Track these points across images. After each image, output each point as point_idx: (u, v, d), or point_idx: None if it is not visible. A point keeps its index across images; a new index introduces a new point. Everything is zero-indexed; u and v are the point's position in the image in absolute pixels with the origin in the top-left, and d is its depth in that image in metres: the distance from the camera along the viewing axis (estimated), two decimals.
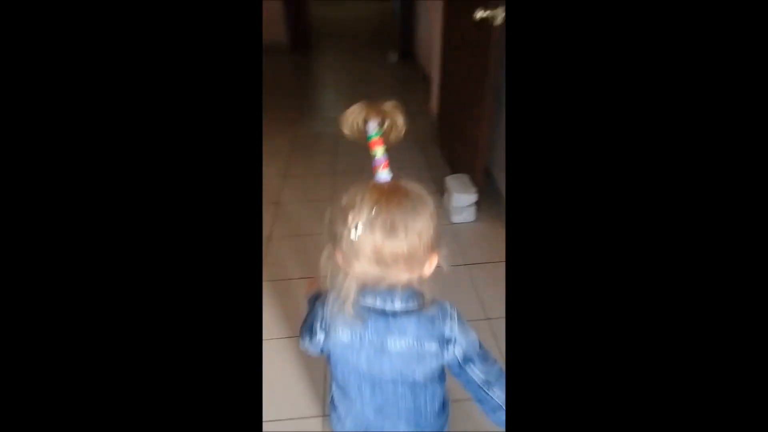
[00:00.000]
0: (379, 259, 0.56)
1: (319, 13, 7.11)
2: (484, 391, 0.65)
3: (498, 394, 0.65)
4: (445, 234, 1.98)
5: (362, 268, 0.57)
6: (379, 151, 0.60)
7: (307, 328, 0.71)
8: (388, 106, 0.60)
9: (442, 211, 2.19)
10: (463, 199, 2.04)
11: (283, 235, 2.05)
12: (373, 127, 0.60)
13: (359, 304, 0.61)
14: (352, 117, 0.60)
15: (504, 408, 0.65)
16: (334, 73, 4.42)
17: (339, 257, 0.60)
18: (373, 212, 0.54)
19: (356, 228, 0.55)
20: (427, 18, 3.39)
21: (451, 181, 2.12)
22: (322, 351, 0.70)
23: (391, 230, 0.55)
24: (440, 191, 2.33)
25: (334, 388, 0.73)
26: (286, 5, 4.71)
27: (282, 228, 2.09)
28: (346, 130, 0.60)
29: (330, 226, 0.59)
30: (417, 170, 2.59)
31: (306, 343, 0.71)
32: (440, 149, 2.76)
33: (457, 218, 2.09)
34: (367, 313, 0.62)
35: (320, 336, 0.67)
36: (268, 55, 4.88)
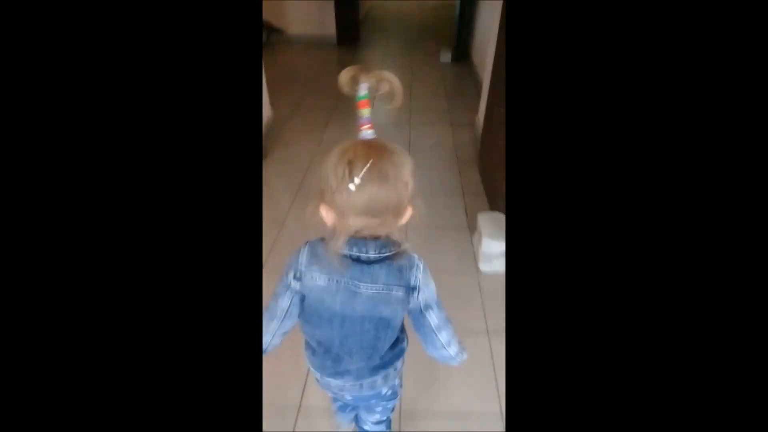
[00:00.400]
0: (372, 209, 0.61)
1: (379, 3, 6.83)
2: (435, 334, 0.76)
3: (443, 336, 0.76)
4: (468, 286, 1.64)
5: (355, 219, 0.62)
6: (365, 112, 0.64)
7: (281, 289, 0.74)
8: (384, 73, 0.63)
9: (472, 255, 1.83)
10: (494, 246, 1.67)
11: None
12: (363, 88, 0.62)
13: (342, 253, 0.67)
14: (347, 76, 0.63)
15: (446, 347, 0.77)
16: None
17: (325, 212, 0.64)
18: (369, 164, 0.59)
19: (354, 180, 0.58)
20: (490, 16, 2.98)
21: (485, 219, 1.75)
22: (301, 295, 0.74)
23: (384, 180, 0.60)
24: (471, 227, 1.97)
25: (302, 322, 0.78)
26: None
27: (282, 254, 1.84)
28: (343, 88, 0.64)
29: (319, 184, 0.63)
30: (448, 196, 2.23)
31: (282, 303, 0.74)
32: (480, 173, 2.38)
33: (485, 267, 1.73)
34: (346, 261, 0.67)
35: (295, 284, 0.72)
36: (313, 49, 4.68)
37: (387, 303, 0.70)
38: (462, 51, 4.16)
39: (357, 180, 0.58)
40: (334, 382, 0.83)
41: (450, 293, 1.76)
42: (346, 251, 0.66)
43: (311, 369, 0.85)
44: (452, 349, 0.77)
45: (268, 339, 0.77)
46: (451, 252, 1.85)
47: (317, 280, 0.70)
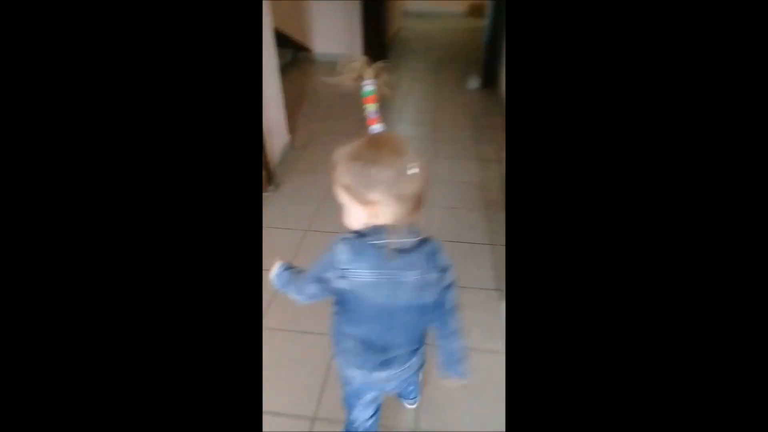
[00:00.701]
0: (425, 189, 0.66)
1: (408, 25, 6.75)
2: (450, 315, 0.82)
3: (453, 322, 0.84)
4: (496, 372, 1.40)
5: (413, 202, 0.66)
6: (373, 107, 0.64)
7: (312, 279, 0.76)
8: (382, 68, 0.64)
9: (502, 327, 1.61)
10: None
11: (275, 327, 1.61)
12: (369, 83, 0.63)
13: (387, 245, 0.70)
14: (351, 68, 0.63)
15: (458, 334, 0.85)
16: (401, 96, 3.95)
17: (376, 212, 0.66)
18: (408, 149, 0.65)
19: (412, 166, 0.63)
20: None
21: None
22: (340, 291, 0.75)
23: (419, 166, 0.65)
24: (501, 286, 1.75)
25: (343, 322, 0.80)
26: (363, 18, 4.35)
27: (275, 319, 1.65)
28: (346, 80, 0.63)
29: (357, 189, 0.64)
30: (473, 245, 2.01)
31: (310, 289, 0.77)
32: None
33: None
34: (392, 253, 0.69)
35: (339, 282, 0.72)
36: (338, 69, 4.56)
37: (427, 288, 0.74)
38: (490, 78, 3.98)
39: (413, 164, 0.63)
40: (382, 375, 0.83)
41: (473, 381, 1.33)
42: (383, 242, 0.68)
43: (352, 370, 0.85)
44: (463, 341, 0.83)
45: (294, 298, 0.82)
46: (475, 319, 1.61)
47: (364, 276, 0.71)
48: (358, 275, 0.70)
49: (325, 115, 3.39)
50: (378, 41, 4.54)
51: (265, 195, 2.30)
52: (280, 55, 4.61)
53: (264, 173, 2.26)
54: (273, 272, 0.85)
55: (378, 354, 0.79)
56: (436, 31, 6.46)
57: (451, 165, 2.68)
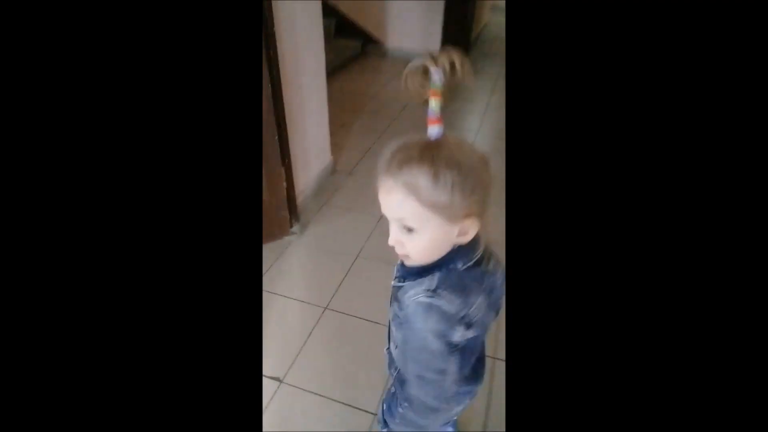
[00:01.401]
0: None
1: (496, 21, 5.98)
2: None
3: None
4: None
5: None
6: (436, 104, 0.55)
7: (447, 353, 0.62)
8: (455, 54, 0.53)
9: None
10: None
11: None
12: (435, 74, 0.53)
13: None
14: (414, 69, 0.54)
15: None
16: (477, 111, 3.25)
17: (463, 225, 0.57)
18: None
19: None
20: None
21: None
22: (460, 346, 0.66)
23: None
24: None
25: (456, 366, 0.65)
26: (446, 11, 3.71)
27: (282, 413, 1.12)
28: (409, 85, 0.55)
29: (460, 196, 0.54)
30: None
31: (453, 366, 0.64)
32: None
33: None
34: (488, 264, 0.64)
35: (468, 333, 0.62)
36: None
37: (497, 268, 0.68)
38: None
39: None
40: (481, 385, 0.79)
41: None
42: (475, 258, 0.61)
43: (464, 402, 0.77)
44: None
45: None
46: None
47: (481, 306, 0.62)
48: (478, 308, 0.60)
49: (386, 125, 2.80)
50: (461, 38, 3.87)
51: (284, 240, 1.79)
52: (347, 47, 4.12)
53: (287, 212, 1.75)
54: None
55: (480, 360, 0.75)
56: None
57: None
